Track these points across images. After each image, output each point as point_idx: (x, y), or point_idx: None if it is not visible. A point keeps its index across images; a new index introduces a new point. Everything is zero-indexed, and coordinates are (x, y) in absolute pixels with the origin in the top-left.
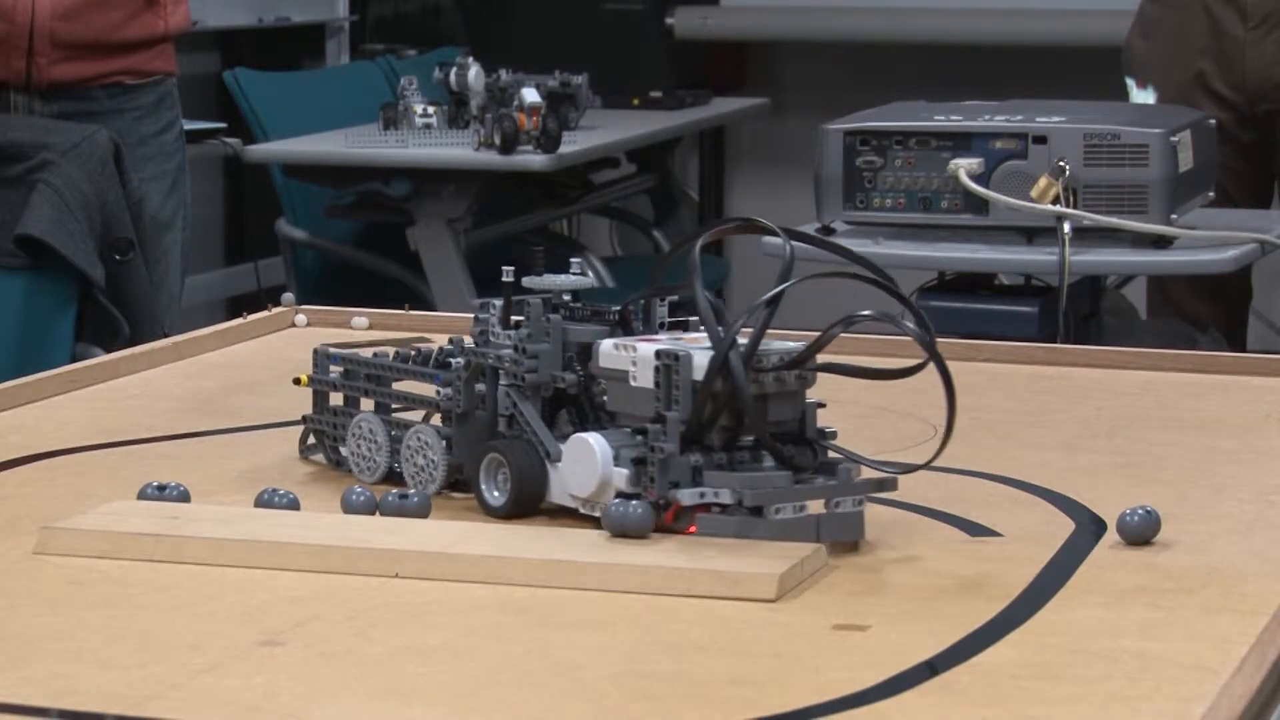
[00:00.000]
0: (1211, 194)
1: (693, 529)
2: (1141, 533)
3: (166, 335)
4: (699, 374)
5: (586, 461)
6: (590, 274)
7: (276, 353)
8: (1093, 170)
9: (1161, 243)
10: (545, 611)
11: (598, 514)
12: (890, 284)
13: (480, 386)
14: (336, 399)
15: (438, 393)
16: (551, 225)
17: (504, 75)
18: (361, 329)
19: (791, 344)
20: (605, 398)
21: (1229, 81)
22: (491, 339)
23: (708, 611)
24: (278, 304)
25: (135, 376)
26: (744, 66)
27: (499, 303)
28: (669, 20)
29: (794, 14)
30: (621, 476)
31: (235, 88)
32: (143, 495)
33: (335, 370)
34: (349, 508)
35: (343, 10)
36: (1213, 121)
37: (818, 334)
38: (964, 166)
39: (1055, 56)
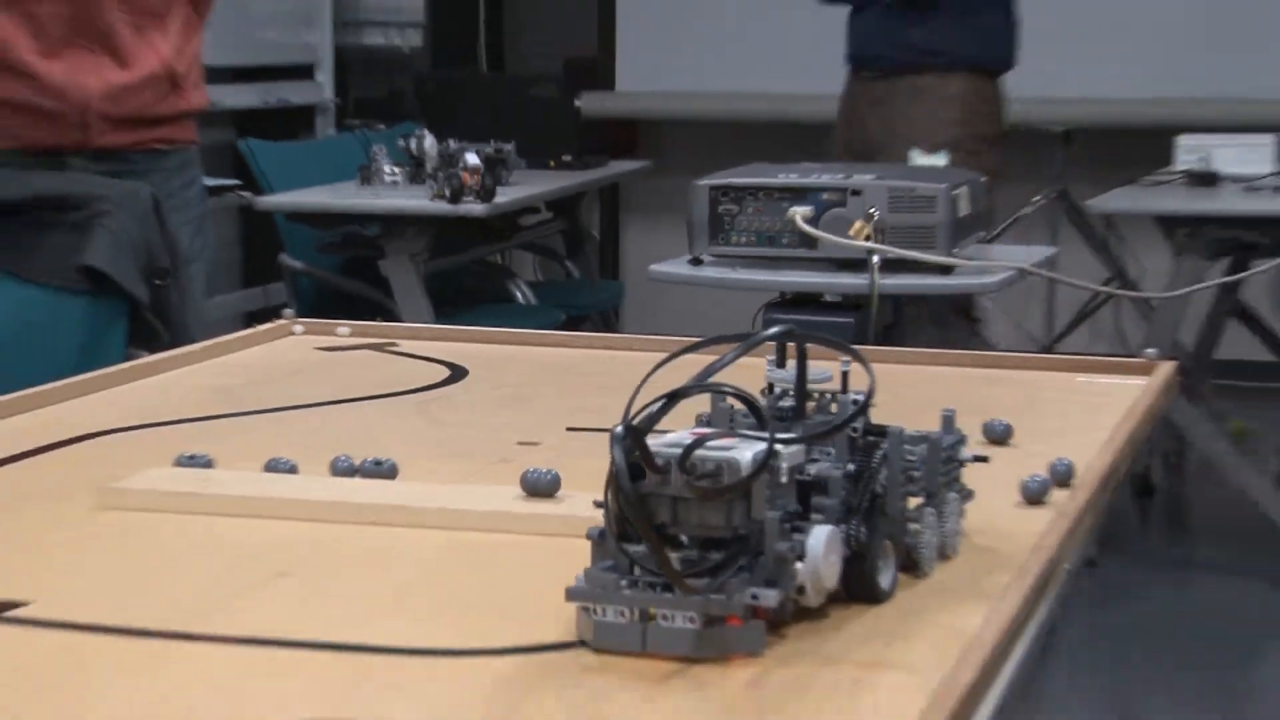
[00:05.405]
0: (984, 233)
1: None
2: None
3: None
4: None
5: None
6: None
7: (279, 355)
8: (895, 215)
9: (945, 270)
10: (492, 549)
11: None
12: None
13: None
14: None
15: None
16: (489, 257)
17: (452, 144)
18: (344, 336)
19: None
20: None
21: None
22: None
23: None
24: (280, 318)
25: (171, 373)
26: (635, 137)
27: None
28: (577, 102)
29: (673, 98)
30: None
31: (247, 153)
32: (177, 463)
33: None
34: (336, 472)
35: (329, 94)
36: (984, 179)
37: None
38: (799, 212)
39: None
